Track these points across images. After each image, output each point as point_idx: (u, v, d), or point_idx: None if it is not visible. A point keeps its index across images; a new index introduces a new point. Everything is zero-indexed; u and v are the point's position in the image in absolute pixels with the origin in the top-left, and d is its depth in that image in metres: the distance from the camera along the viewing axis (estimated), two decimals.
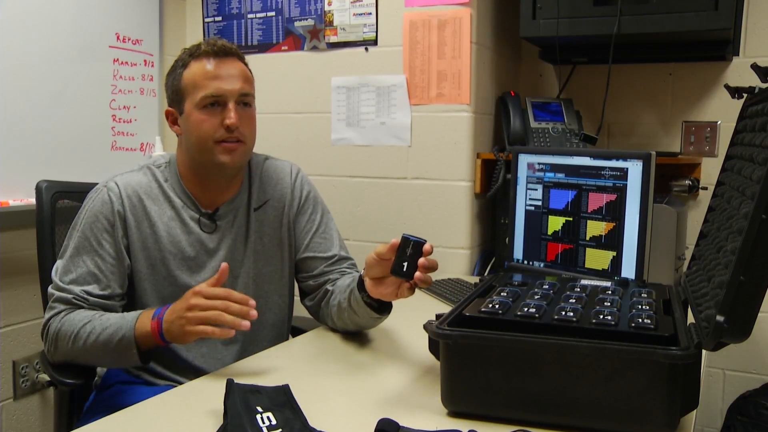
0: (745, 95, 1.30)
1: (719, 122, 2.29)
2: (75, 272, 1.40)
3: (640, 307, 1.12)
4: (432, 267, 1.22)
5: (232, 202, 1.53)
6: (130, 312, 1.36)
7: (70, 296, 1.38)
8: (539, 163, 1.81)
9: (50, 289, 1.42)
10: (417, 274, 1.21)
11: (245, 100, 1.46)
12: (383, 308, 1.40)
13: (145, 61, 2.49)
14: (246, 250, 1.54)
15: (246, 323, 1.23)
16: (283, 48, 2.51)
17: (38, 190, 1.62)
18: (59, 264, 1.43)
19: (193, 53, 1.45)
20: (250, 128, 1.48)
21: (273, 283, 1.60)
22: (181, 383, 1.32)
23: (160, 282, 1.47)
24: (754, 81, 1.19)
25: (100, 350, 1.32)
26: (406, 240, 1.22)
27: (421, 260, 1.21)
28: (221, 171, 1.47)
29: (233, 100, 1.42)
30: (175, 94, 1.46)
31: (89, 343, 1.32)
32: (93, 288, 1.39)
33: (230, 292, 1.25)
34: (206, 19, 2.63)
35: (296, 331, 1.69)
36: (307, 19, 2.45)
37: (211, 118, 1.42)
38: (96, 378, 1.53)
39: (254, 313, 1.24)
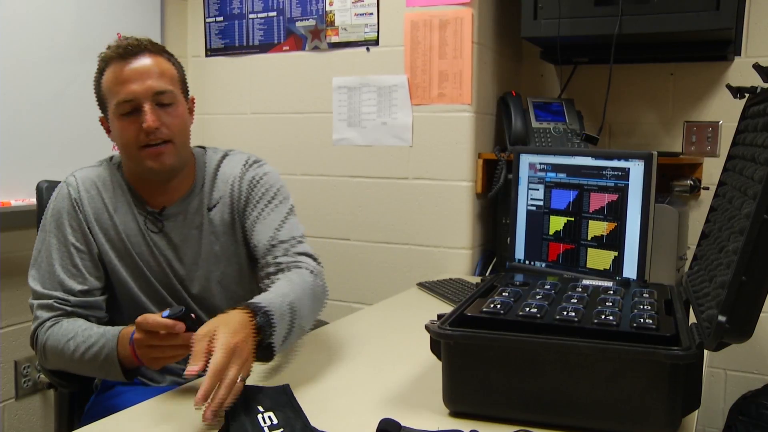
0: (746, 95, 1.29)
1: (721, 122, 2.29)
2: (49, 273, 1.38)
3: (641, 307, 1.11)
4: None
5: (182, 203, 1.48)
6: (112, 328, 1.31)
7: (50, 301, 1.36)
8: (541, 163, 1.81)
9: (30, 300, 1.39)
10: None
11: (162, 100, 1.37)
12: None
13: None
14: (201, 252, 1.48)
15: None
16: (284, 48, 2.51)
17: (39, 190, 1.62)
18: (32, 271, 1.40)
19: (104, 58, 1.39)
20: (175, 126, 1.39)
21: (241, 284, 1.53)
22: (181, 384, 1.31)
23: (132, 271, 1.44)
24: (755, 81, 1.19)
25: (87, 366, 1.31)
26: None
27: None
28: (156, 175, 1.41)
29: (148, 101, 1.35)
30: (100, 103, 1.42)
31: (75, 359, 1.30)
32: (71, 284, 1.37)
33: (164, 324, 1.14)
34: (207, 19, 2.64)
35: None
36: (308, 19, 2.45)
37: (131, 125, 1.35)
38: (96, 380, 1.53)
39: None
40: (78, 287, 1.38)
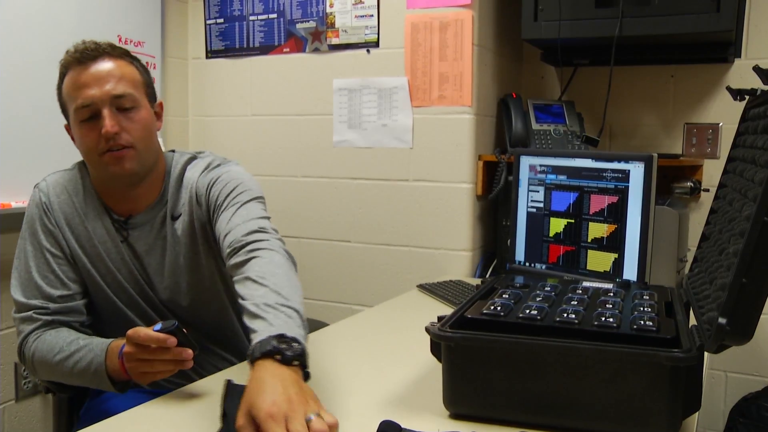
0: (746, 97, 1.30)
1: (721, 124, 2.29)
2: (28, 281, 1.36)
3: (641, 309, 1.11)
4: None
5: (149, 212, 1.43)
6: (99, 341, 1.29)
7: (30, 313, 1.34)
8: (541, 165, 1.81)
9: (13, 313, 1.37)
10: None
11: (122, 104, 1.33)
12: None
13: (147, 63, 2.48)
14: (165, 263, 1.43)
15: (188, 363, 1.15)
16: (284, 50, 2.51)
17: None
18: (13, 279, 1.38)
19: (63, 64, 1.35)
20: (136, 131, 1.34)
21: (210, 290, 1.46)
22: (181, 385, 1.31)
23: (104, 275, 1.42)
24: (755, 83, 1.19)
25: (77, 379, 1.29)
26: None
27: None
28: (119, 180, 1.37)
29: (107, 106, 1.31)
30: (63, 110, 1.39)
31: (65, 372, 1.29)
32: (49, 291, 1.35)
33: (156, 338, 1.11)
34: (208, 21, 2.64)
35: None
36: (308, 21, 2.45)
37: (91, 132, 1.32)
38: None
39: (189, 363, 1.14)
40: (57, 293, 1.36)
